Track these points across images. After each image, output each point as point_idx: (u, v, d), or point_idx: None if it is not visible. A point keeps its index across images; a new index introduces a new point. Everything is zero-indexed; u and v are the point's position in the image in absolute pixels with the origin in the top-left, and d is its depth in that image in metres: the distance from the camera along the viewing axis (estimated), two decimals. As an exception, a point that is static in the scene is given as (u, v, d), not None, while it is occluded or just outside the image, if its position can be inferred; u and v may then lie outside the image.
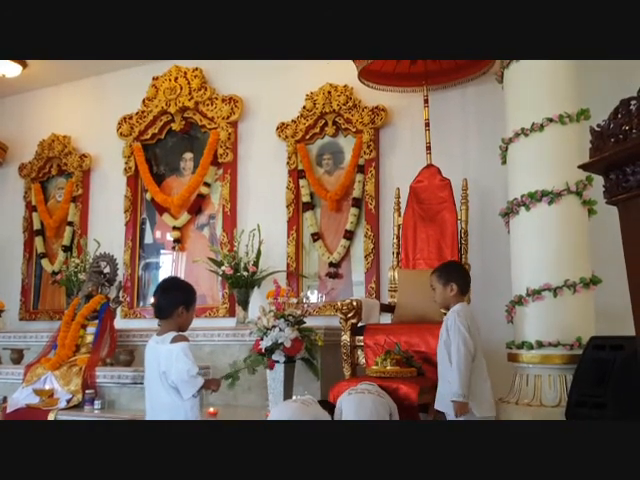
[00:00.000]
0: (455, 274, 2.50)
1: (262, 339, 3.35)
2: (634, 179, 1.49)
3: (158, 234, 5.12)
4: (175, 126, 5.00)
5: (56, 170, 5.55)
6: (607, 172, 1.55)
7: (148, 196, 5.07)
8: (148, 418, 2.16)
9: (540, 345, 2.81)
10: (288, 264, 4.47)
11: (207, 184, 4.87)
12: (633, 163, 1.48)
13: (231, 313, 4.57)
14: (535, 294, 2.87)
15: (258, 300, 4.20)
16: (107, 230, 5.11)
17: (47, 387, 3.63)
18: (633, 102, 1.38)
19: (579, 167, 1.68)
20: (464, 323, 2.29)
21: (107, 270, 4.30)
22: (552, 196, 2.89)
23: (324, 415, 2.52)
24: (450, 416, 2.32)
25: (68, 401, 3.55)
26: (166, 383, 2.04)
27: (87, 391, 3.55)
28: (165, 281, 2.42)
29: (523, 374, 2.91)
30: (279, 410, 2.55)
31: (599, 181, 1.61)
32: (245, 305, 4.29)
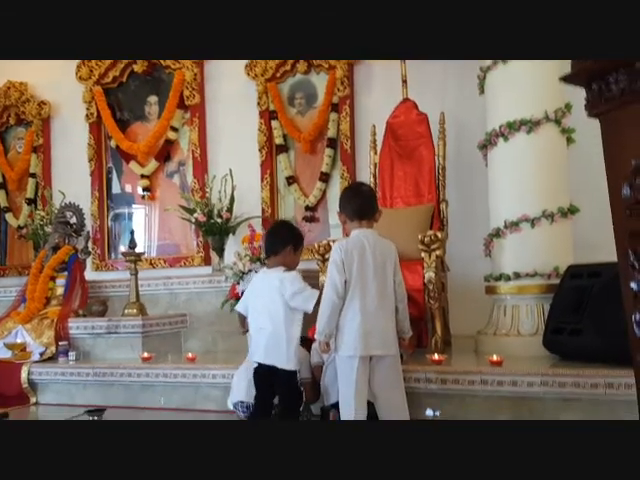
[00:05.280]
0: (341, 203, 2.23)
1: (238, 283, 3.29)
2: (617, 88, 1.40)
3: (126, 184, 4.93)
4: (137, 68, 4.72)
5: (14, 119, 5.27)
6: (589, 83, 1.47)
7: (113, 143, 4.85)
8: (267, 333, 2.24)
9: (517, 276, 2.80)
10: (263, 209, 4.36)
11: (174, 129, 4.67)
12: (616, 71, 1.39)
13: (206, 262, 4.48)
14: (513, 226, 2.83)
15: (233, 247, 4.10)
16: (72, 181, 4.90)
17: (19, 341, 3.55)
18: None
19: (560, 79, 1.57)
20: (335, 256, 2.09)
21: (73, 220, 4.14)
22: (530, 125, 2.80)
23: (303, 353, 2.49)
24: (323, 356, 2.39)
25: (41, 354, 3.49)
26: (283, 299, 2.20)
27: (60, 343, 3.48)
28: (276, 223, 2.55)
29: (501, 305, 2.91)
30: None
31: (578, 109, 1.53)
32: (220, 252, 4.20)
